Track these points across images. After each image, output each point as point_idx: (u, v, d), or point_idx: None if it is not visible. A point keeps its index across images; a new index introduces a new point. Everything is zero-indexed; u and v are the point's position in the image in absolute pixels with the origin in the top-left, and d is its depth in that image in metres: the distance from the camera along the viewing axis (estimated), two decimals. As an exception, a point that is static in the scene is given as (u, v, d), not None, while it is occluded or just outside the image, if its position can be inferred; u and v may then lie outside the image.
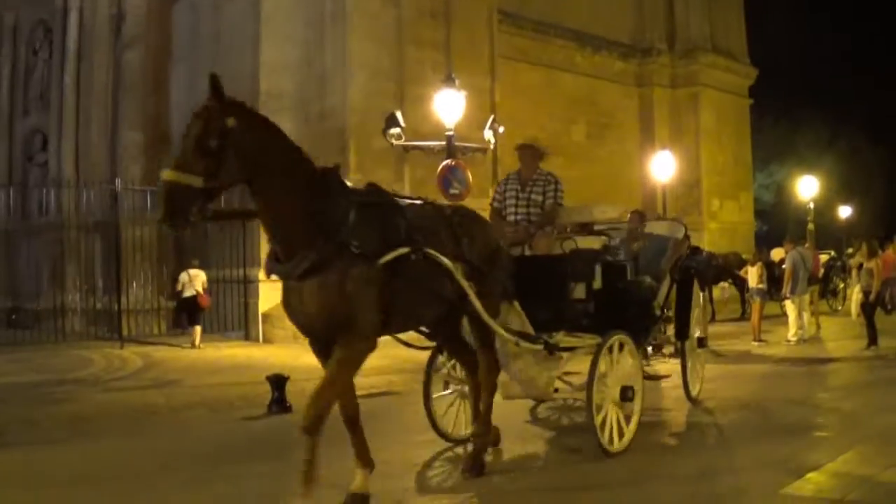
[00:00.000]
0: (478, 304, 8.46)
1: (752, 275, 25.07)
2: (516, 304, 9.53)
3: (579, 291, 10.49)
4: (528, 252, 10.71)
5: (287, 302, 7.64)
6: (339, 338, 7.38)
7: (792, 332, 23.71)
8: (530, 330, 9.61)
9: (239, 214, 12.72)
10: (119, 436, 12.29)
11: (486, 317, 8.62)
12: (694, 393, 12.94)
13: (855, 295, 23.61)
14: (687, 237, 13.37)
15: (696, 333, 13.25)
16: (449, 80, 22.98)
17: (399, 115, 23.13)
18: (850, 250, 41.17)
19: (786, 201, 58.09)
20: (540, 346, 9.53)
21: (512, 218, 11.21)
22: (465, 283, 8.32)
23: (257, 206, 7.44)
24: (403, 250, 7.73)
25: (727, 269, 31.85)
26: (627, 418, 9.89)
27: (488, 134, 24.92)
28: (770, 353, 21.43)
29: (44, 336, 24.50)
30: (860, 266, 23.57)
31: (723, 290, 33.61)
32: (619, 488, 8.58)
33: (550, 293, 10.19)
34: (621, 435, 9.72)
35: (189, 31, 29.66)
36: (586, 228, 11.57)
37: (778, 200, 62.30)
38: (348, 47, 26.92)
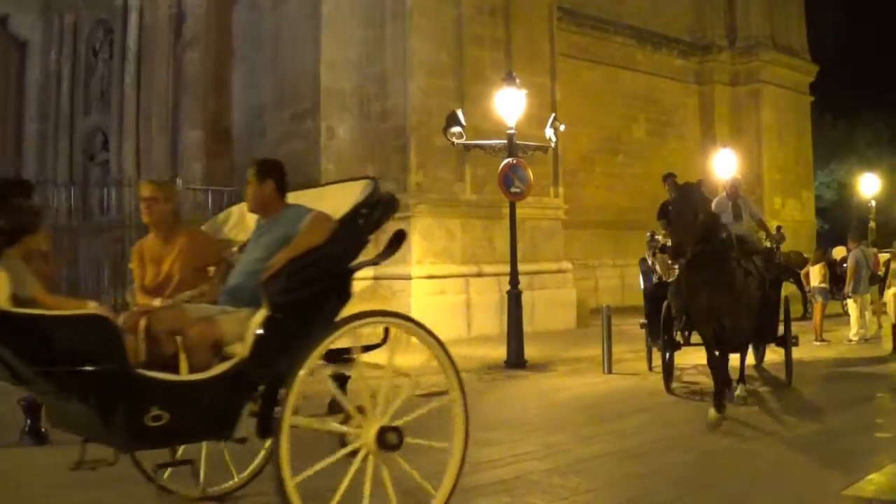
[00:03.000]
0: None
1: (815, 274, 24.79)
2: None
3: None
4: None
5: None
6: None
7: (853, 332, 23.46)
8: None
9: None
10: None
11: None
12: None
13: (891, 297, 22.50)
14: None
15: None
16: (509, 79, 22.82)
17: (460, 113, 22.99)
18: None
19: (847, 199, 57.43)
20: None
21: None
22: None
23: None
24: None
25: (789, 268, 31.39)
26: None
27: (549, 132, 24.71)
28: (831, 353, 21.20)
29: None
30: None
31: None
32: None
33: None
34: None
35: (249, 30, 29.79)
36: None
37: (839, 198, 61.63)
38: (408, 46, 26.87)
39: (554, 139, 24.64)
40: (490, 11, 28.59)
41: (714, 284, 12.13)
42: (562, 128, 25.20)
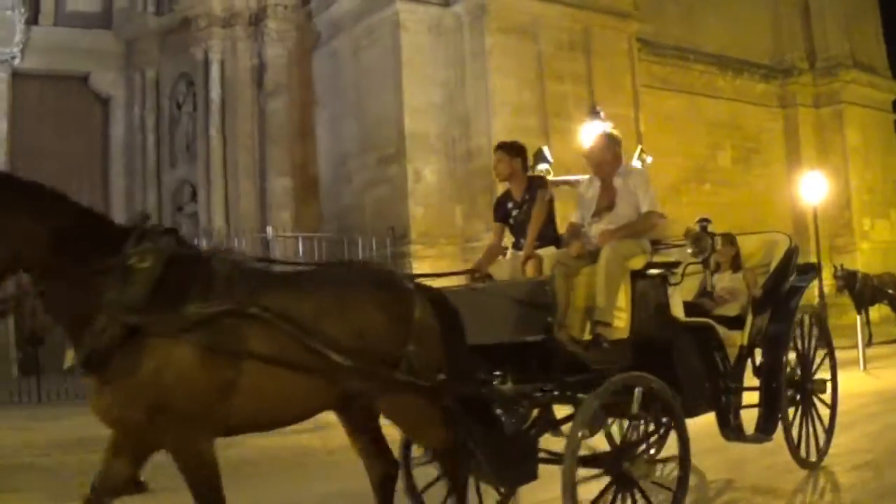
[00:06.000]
0: None
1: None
2: None
3: None
4: None
5: None
6: None
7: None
8: None
9: None
10: (276, 479, 12.31)
11: None
12: None
13: None
14: None
15: None
16: (593, 113, 22.81)
17: (546, 150, 22.95)
18: None
19: (935, 216, 56.45)
20: None
21: None
22: None
23: None
24: None
25: (882, 289, 30.89)
26: None
27: (636, 164, 24.57)
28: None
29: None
30: None
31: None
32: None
33: None
34: None
35: (330, 77, 30.07)
36: None
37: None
38: (490, 85, 26.98)
39: (641, 172, 24.48)
40: (569, 46, 28.63)
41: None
42: (648, 160, 25.08)
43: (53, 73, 32.78)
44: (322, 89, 30.57)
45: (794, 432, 9.31)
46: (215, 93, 30.52)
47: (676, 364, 8.03)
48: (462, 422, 7.01)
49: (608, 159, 8.75)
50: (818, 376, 9.88)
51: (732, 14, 39.27)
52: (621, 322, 7.82)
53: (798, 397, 9.59)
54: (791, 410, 9.40)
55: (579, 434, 6.89)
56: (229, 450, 6.57)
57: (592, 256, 7.99)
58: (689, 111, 36.31)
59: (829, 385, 9.94)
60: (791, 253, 9.63)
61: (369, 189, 28.08)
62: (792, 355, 9.56)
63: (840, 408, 10.55)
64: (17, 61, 31.35)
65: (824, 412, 9.98)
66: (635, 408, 7.17)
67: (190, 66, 31.70)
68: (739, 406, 8.78)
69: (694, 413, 8.25)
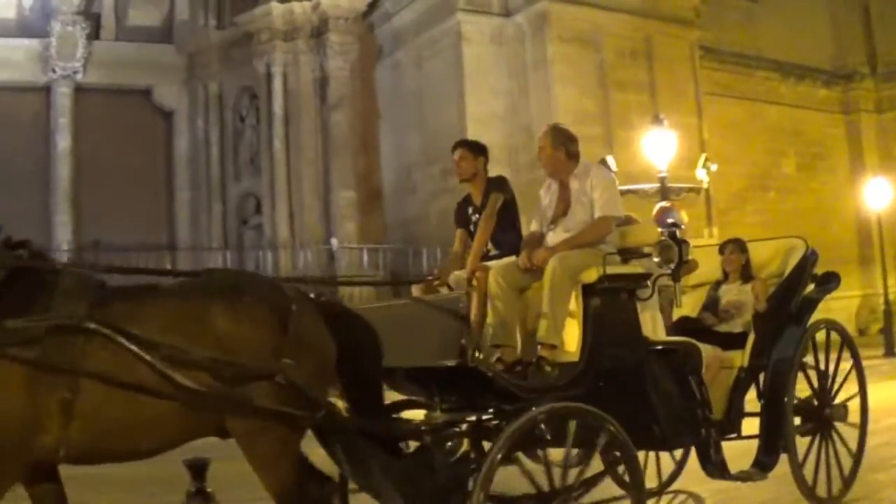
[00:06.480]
0: None
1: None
2: None
3: None
4: None
5: None
6: None
7: None
8: None
9: None
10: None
11: None
12: None
13: None
14: None
15: None
16: (657, 121, 22.74)
17: (611, 159, 22.86)
18: None
19: None
20: None
21: None
22: None
23: None
24: None
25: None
26: None
27: (701, 173, 24.50)
28: None
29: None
30: None
31: None
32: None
33: None
34: None
35: (392, 88, 30.26)
36: None
37: None
38: (552, 94, 27.04)
39: (706, 180, 24.42)
40: (631, 55, 28.63)
41: None
42: (713, 167, 24.99)
43: (116, 88, 33.23)
44: (384, 101, 30.77)
45: (801, 460, 8.08)
46: (278, 105, 30.76)
47: (650, 391, 6.99)
48: (368, 455, 6.15)
49: (561, 158, 7.84)
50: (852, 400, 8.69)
51: (793, 20, 38.90)
52: (571, 344, 6.88)
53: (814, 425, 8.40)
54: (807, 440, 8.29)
55: (484, 471, 5.81)
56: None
57: (542, 270, 7.04)
58: (750, 118, 35.98)
59: (850, 410, 8.63)
60: (806, 261, 8.47)
61: (433, 200, 28.15)
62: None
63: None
64: (79, 76, 31.88)
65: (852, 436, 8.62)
66: (569, 443, 6.10)
67: (252, 79, 32.00)
68: (720, 439, 7.57)
69: (677, 445, 7.83)
